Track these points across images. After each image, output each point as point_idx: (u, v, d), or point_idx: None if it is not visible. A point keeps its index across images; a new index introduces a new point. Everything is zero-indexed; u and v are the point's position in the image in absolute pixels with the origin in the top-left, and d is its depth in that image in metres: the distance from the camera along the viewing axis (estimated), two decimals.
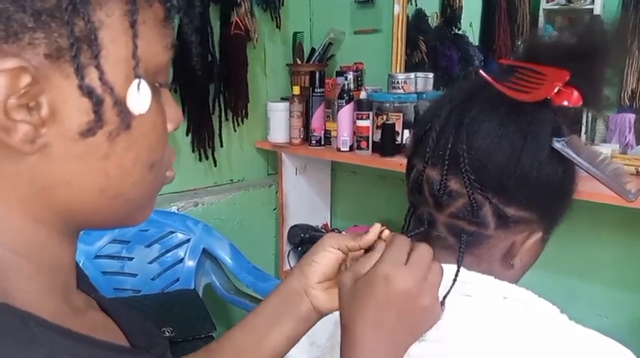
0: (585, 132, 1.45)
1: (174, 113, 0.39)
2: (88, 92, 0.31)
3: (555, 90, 0.49)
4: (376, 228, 0.52)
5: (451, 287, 0.51)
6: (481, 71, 0.54)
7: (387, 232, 0.53)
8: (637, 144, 1.42)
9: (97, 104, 0.31)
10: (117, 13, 0.31)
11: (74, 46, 0.30)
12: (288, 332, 0.53)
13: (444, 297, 0.51)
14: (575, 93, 0.49)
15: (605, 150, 1.30)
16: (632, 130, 1.44)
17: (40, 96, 0.30)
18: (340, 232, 1.77)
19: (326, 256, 0.52)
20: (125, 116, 0.32)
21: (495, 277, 0.54)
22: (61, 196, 0.33)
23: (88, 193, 0.34)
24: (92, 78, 0.31)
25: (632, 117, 1.44)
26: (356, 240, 0.52)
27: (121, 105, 0.32)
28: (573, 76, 0.50)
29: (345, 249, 0.53)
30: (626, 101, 1.43)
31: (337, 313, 0.57)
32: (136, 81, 0.32)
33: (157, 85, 0.35)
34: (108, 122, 0.32)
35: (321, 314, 0.54)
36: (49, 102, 0.30)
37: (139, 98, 0.33)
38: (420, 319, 0.47)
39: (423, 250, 0.48)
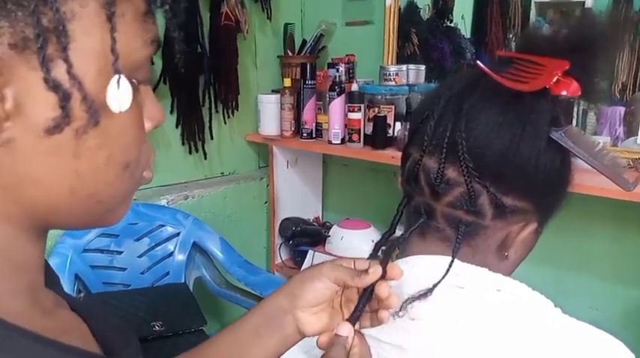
0: (576, 125, 1.46)
1: (154, 111, 0.37)
2: (54, 86, 0.29)
3: (554, 79, 0.49)
4: (378, 270, 0.49)
5: (442, 277, 0.51)
6: (478, 62, 0.54)
7: (395, 270, 0.50)
8: (627, 137, 1.43)
9: (64, 99, 0.29)
10: (92, 4, 0.30)
11: (40, 37, 0.28)
12: (271, 348, 0.52)
13: (434, 286, 0.51)
14: (574, 83, 0.49)
15: None
16: (622, 123, 1.45)
17: (4, 89, 0.29)
18: (330, 227, 1.76)
19: (320, 286, 0.51)
20: (94, 112, 0.30)
21: (490, 269, 0.54)
22: (29, 194, 0.32)
23: (58, 193, 0.32)
24: (59, 71, 0.29)
25: (622, 110, 1.45)
26: (355, 279, 0.49)
27: (89, 100, 0.30)
28: (571, 66, 0.49)
29: (342, 284, 0.51)
30: (617, 94, 1.43)
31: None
32: (116, 77, 0.31)
33: (134, 81, 0.33)
34: (75, 118, 0.30)
35: (304, 337, 0.52)
36: (14, 95, 0.29)
37: (119, 95, 0.31)
38: None
39: None
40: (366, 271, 0.49)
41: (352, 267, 0.51)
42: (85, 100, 0.30)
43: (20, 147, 0.30)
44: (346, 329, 0.48)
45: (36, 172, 0.31)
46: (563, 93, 0.49)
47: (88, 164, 0.32)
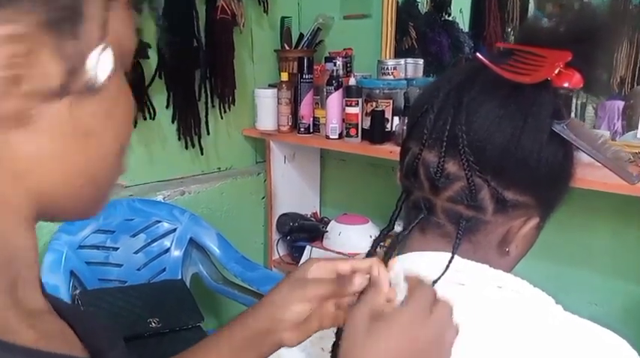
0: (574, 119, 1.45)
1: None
2: (66, 60, 0.31)
3: (556, 71, 0.48)
4: (364, 282, 0.48)
5: (442, 274, 0.50)
6: (478, 54, 0.52)
7: (375, 272, 0.48)
8: (626, 131, 1.42)
9: (71, 72, 0.31)
10: None
11: (59, 16, 0.30)
12: None
13: (434, 283, 0.50)
14: (577, 75, 0.48)
15: None
16: (621, 117, 1.44)
17: (29, 68, 0.30)
18: (328, 222, 1.75)
19: (305, 308, 0.50)
20: (92, 84, 0.32)
21: (491, 265, 0.53)
22: (37, 177, 0.32)
23: (66, 175, 0.33)
24: (71, 47, 0.31)
25: (620, 104, 1.44)
26: (341, 290, 0.49)
27: (89, 74, 0.32)
28: (573, 57, 0.48)
29: (329, 295, 0.50)
30: (615, 88, 1.43)
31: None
32: (102, 45, 0.32)
33: (126, 72, 0.35)
34: (75, 89, 0.32)
35: (286, 347, 0.53)
36: (36, 73, 0.30)
37: (100, 63, 0.33)
38: None
39: (447, 306, 0.45)
40: (351, 280, 0.48)
41: (329, 274, 0.50)
42: (85, 73, 0.32)
43: (38, 126, 0.31)
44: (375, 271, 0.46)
45: (50, 153, 0.32)
46: (565, 84, 0.48)
47: (97, 144, 0.34)
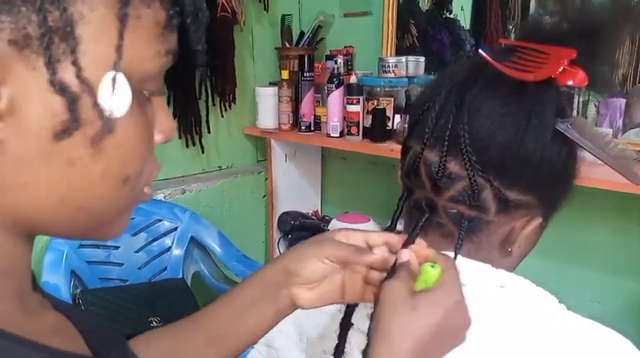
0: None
1: (165, 123, 0.36)
2: (61, 89, 0.28)
3: (560, 68, 0.47)
4: (383, 249, 0.48)
5: None
6: (480, 51, 0.52)
7: (400, 248, 0.47)
8: (628, 129, 1.42)
9: (72, 102, 0.28)
10: (101, 9, 0.28)
11: (45, 37, 0.27)
12: (266, 319, 0.51)
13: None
14: (581, 72, 0.47)
15: None
16: (623, 115, 1.43)
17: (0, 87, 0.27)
18: (329, 221, 1.75)
19: (320, 266, 0.48)
20: (108, 119, 0.29)
21: (493, 265, 0.52)
22: (16, 199, 0.30)
23: (47, 201, 0.30)
24: (67, 74, 0.28)
25: (622, 101, 1.44)
26: (359, 255, 0.48)
27: (101, 106, 0.29)
28: (578, 54, 0.48)
29: (345, 261, 0.49)
30: (617, 86, 1.42)
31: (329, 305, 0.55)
32: (111, 73, 0.29)
33: (145, 92, 0.33)
34: (86, 123, 0.29)
35: (298, 309, 0.52)
36: (9, 95, 0.27)
37: (113, 95, 0.29)
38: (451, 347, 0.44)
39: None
40: (371, 249, 0.47)
41: (358, 243, 0.49)
42: (97, 106, 0.29)
43: (9, 150, 0.28)
44: (406, 254, 0.46)
45: (24, 178, 0.29)
46: (570, 82, 0.47)
47: (80, 175, 0.30)
